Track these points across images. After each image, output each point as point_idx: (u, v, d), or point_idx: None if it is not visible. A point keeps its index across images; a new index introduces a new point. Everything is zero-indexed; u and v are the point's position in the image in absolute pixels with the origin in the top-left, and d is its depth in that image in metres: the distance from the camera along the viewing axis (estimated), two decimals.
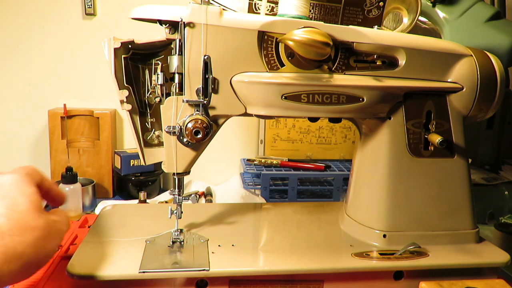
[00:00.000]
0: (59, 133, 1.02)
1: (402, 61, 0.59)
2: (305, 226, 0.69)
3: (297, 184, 1.00)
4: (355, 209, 0.67)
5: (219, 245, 0.60)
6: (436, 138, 0.59)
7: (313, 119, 0.64)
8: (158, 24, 0.54)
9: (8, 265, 0.36)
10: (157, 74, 0.56)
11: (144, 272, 0.53)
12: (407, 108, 0.61)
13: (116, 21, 1.05)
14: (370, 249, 0.61)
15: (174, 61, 0.54)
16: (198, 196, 0.96)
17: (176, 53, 0.54)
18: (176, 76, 0.54)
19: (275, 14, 0.60)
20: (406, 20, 0.68)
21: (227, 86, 0.55)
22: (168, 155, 0.57)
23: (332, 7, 0.62)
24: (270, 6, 0.61)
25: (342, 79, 0.57)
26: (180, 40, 0.53)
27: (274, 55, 0.55)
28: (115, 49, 0.55)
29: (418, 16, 0.67)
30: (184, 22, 0.52)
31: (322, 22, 0.55)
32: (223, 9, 0.54)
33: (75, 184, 0.88)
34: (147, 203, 0.91)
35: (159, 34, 0.55)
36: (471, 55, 0.61)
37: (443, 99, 0.62)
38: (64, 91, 1.07)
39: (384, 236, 0.62)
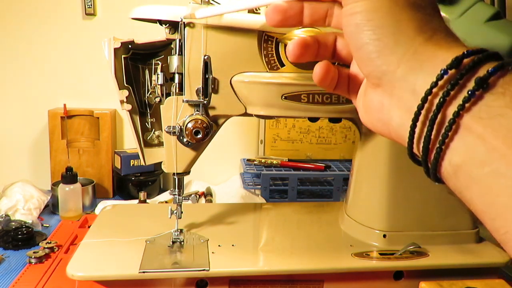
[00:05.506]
0: (59, 133, 1.02)
1: None
2: (305, 226, 0.69)
3: (297, 184, 1.00)
4: (355, 209, 0.67)
5: (219, 245, 0.60)
6: None
7: (313, 119, 0.64)
8: (158, 24, 0.54)
9: None
10: (157, 74, 0.56)
11: (144, 272, 0.53)
12: None
13: (116, 21, 1.05)
14: (370, 249, 0.61)
15: (174, 61, 0.54)
16: (198, 196, 0.96)
17: (176, 53, 0.54)
18: (176, 76, 0.54)
19: None
20: None
21: (227, 86, 0.55)
22: (168, 155, 0.57)
23: None
24: None
25: None
26: (180, 40, 0.53)
27: (274, 55, 0.55)
28: (115, 49, 0.55)
29: None
30: (184, 22, 0.52)
31: None
32: None
33: (75, 184, 0.87)
34: (147, 203, 0.91)
35: (159, 34, 0.55)
36: None
37: None
38: (64, 91, 1.07)
39: (384, 236, 0.62)
